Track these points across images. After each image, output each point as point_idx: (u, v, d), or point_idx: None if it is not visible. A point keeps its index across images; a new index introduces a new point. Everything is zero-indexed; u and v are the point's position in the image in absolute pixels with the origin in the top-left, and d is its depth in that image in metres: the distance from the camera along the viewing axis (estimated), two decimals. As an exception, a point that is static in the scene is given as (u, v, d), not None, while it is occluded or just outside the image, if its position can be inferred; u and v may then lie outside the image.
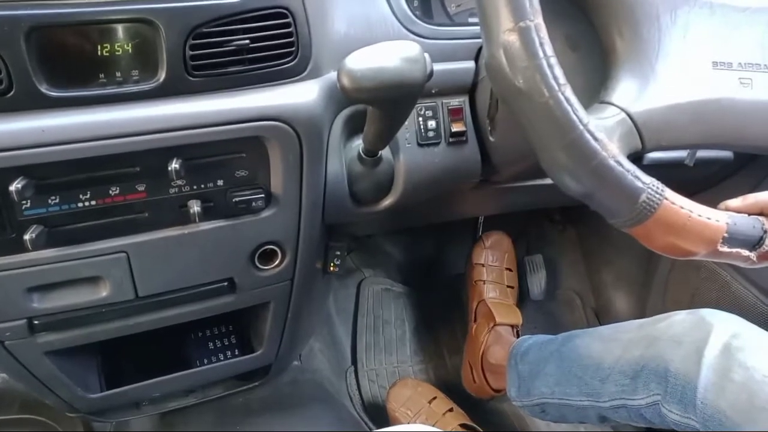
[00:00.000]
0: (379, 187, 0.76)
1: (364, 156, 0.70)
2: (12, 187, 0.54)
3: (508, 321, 1.20)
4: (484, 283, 1.29)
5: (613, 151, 0.43)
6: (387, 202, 0.77)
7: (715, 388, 0.65)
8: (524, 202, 1.08)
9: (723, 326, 0.70)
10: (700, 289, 1.05)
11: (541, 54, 0.42)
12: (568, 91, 0.42)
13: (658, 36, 0.47)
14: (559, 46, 0.54)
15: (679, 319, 0.75)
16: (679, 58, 0.47)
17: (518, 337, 1.18)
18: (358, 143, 0.72)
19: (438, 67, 0.62)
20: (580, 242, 1.46)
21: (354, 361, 1.28)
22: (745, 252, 0.46)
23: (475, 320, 1.26)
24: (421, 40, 0.73)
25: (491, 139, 0.74)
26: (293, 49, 0.63)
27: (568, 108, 0.42)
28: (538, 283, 1.42)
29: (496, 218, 1.35)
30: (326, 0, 0.68)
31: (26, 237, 0.57)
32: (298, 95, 0.64)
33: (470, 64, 0.75)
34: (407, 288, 1.41)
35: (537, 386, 0.92)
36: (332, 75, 0.67)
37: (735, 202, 0.49)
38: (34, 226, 0.58)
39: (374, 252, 1.43)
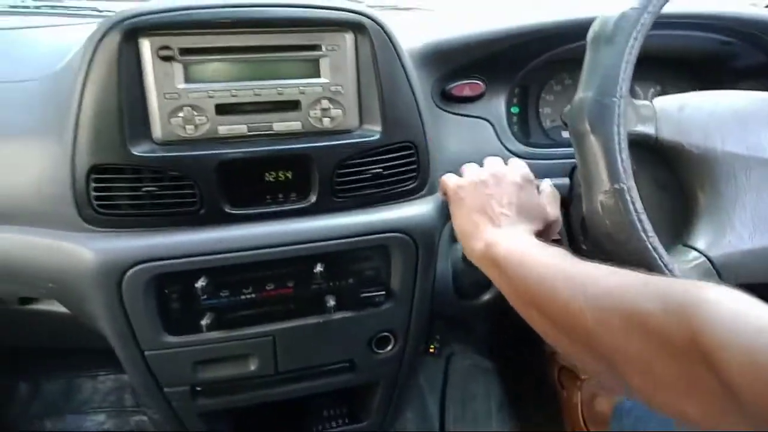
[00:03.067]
0: (479, 283, 0.86)
1: (466, 257, 0.81)
2: (197, 284, 0.70)
3: None
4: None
5: None
6: (486, 297, 0.87)
7: None
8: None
9: None
10: None
11: (632, 210, 0.52)
12: (656, 242, 0.51)
13: (735, 192, 0.55)
14: (648, 186, 0.64)
15: None
16: (753, 211, 0.55)
17: None
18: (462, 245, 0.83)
19: None
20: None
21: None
22: None
23: (562, 387, 1.29)
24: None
25: (583, 247, 0.83)
26: (416, 174, 0.76)
27: (656, 255, 0.51)
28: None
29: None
30: (444, 132, 0.81)
31: (202, 322, 0.72)
32: (418, 210, 0.77)
33: (565, 181, 0.85)
34: (495, 364, 1.47)
35: None
36: (446, 192, 0.79)
37: None
38: (209, 313, 0.73)
39: (463, 327, 1.51)
